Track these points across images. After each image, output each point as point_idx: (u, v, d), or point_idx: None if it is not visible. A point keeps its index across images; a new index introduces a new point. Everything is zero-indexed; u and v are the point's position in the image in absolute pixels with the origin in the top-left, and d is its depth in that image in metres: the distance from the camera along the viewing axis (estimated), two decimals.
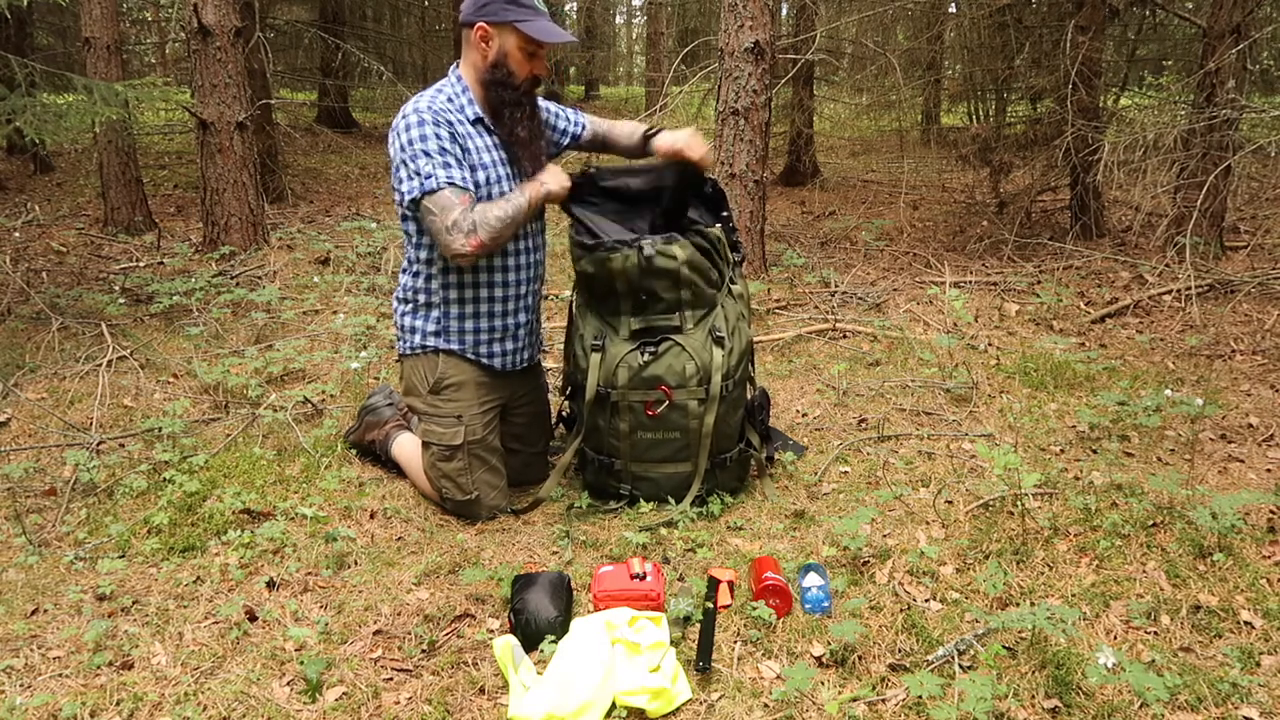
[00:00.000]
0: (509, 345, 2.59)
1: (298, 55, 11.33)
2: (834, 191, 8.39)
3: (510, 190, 2.45)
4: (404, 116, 2.36)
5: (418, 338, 2.54)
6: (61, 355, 3.76)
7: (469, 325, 2.52)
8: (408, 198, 2.34)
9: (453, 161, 2.34)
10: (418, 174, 2.32)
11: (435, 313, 2.51)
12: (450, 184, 2.31)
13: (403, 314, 2.57)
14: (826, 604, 2.07)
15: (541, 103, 2.63)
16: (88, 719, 1.77)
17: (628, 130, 2.78)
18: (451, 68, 2.50)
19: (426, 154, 2.31)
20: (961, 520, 2.46)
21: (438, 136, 2.33)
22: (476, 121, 2.44)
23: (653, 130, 2.69)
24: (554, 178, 2.49)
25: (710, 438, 2.47)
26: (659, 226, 2.64)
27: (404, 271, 2.57)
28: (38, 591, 2.20)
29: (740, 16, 4.52)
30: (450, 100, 2.43)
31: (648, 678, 1.81)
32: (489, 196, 2.42)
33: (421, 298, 2.52)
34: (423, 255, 2.48)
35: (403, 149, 2.34)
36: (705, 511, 2.52)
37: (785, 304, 4.64)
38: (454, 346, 2.53)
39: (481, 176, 2.41)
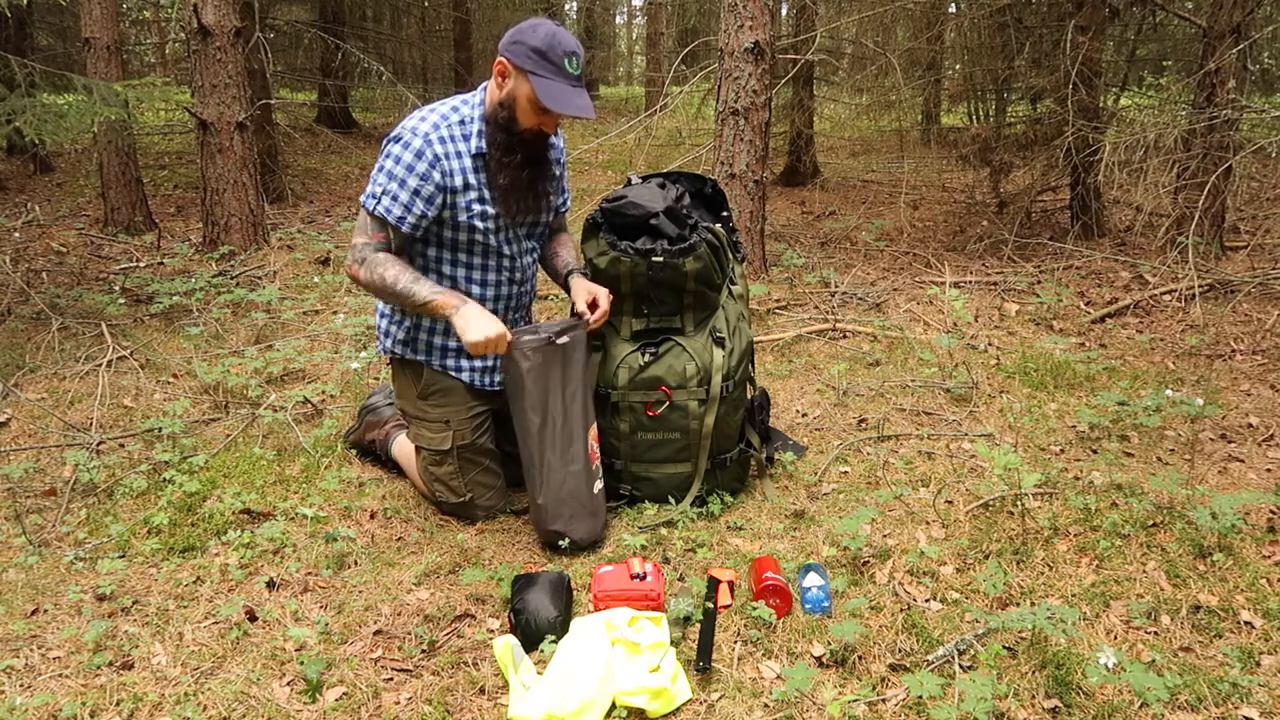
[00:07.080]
0: (476, 364, 2.51)
1: (298, 55, 11.32)
2: (834, 191, 8.39)
3: (493, 231, 2.39)
4: (405, 129, 2.30)
5: (389, 342, 2.52)
6: (61, 355, 3.76)
7: (437, 341, 2.47)
8: (362, 199, 2.35)
9: (406, 197, 2.27)
10: (372, 182, 2.32)
11: (407, 321, 2.47)
12: (384, 215, 2.29)
13: (380, 314, 2.55)
14: (826, 604, 2.07)
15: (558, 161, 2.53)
16: (88, 719, 1.77)
17: (564, 258, 2.61)
18: (483, 84, 2.38)
19: (391, 175, 2.28)
20: (961, 520, 2.46)
21: (410, 168, 2.26)
22: (477, 156, 2.33)
23: (572, 270, 2.56)
24: (474, 323, 2.23)
25: (710, 438, 2.48)
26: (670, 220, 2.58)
27: None
28: (38, 591, 2.20)
29: (740, 16, 4.52)
30: (464, 123, 2.33)
31: (648, 678, 1.81)
32: (470, 230, 2.37)
33: None
34: None
35: (381, 152, 2.33)
36: (705, 511, 2.52)
37: (785, 304, 4.64)
38: (420, 358, 2.49)
39: (463, 217, 2.34)
